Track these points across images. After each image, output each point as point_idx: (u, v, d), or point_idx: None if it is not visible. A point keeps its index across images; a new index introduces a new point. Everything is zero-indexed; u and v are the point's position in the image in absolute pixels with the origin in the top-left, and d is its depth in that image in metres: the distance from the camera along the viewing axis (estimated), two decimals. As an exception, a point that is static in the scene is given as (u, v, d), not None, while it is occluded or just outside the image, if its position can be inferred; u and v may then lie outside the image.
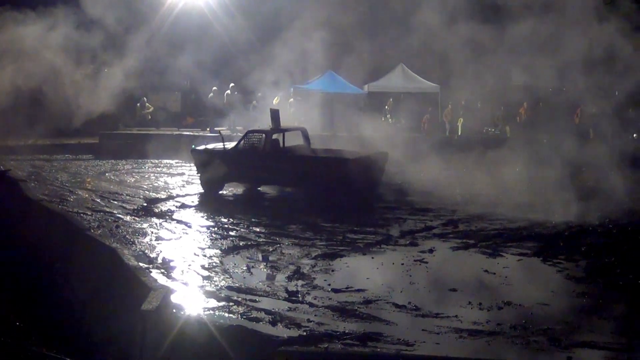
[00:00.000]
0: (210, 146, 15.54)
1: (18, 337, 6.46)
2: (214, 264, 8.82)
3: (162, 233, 10.69)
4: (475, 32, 16.17)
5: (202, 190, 14.81)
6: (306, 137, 15.18)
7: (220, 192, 14.81)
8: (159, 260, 8.90)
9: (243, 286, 7.82)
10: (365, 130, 19.65)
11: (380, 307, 7.12)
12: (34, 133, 20.72)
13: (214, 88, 25.73)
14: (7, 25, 16.84)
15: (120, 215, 11.97)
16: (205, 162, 14.75)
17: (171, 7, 23.36)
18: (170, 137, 24.12)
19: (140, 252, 9.29)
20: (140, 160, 21.52)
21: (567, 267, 8.74)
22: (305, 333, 6.35)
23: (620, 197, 12.97)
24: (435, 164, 17.38)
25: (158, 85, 28.87)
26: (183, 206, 13.29)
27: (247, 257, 9.21)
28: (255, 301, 7.28)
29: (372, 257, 9.29)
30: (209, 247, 9.79)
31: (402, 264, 8.91)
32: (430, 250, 9.62)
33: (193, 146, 16.11)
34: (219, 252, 9.47)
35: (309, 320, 6.68)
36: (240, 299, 7.33)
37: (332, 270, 8.58)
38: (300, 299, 7.40)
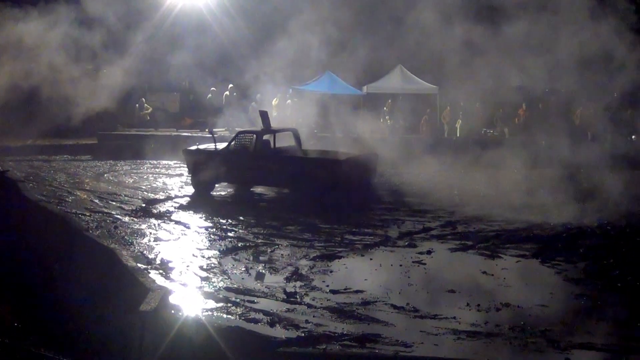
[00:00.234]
0: (202, 146, 15.63)
1: (16, 337, 6.45)
2: (213, 264, 8.83)
3: (161, 234, 10.69)
4: (473, 34, 16.18)
5: (194, 190, 14.86)
6: (297, 138, 15.22)
7: (213, 192, 14.87)
8: (158, 261, 8.90)
9: (241, 287, 7.83)
10: (364, 131, 19.66)
11: (378, 309, 7.13)
12: (32, 133, 20.71)
13: (213, 89, 25.71)
14: (6, 23, 16.81)
15: (118, 216, 11.96)
16: (196, 162, 14.84)
17: (170, 8, 23.35)
18: (169, 138, 24.09)
19: (138, 253, 9.29)
20: (138, 161, 21.50)
21: (565, 269, 8.75)
22: (303, 334, 6.36)
23: (619, 199, 12.98)
24: (434, 165, 17.40)
25: (157, 86, 28.84)
26: (181, 207, 13.29)
27: (246, 258, 9.21)
28: (253, 302, 7.29)
29: (371, 259, 9.30)
30: (207, 248, 9.79)
31: (401, 265, 8.91)
32: (429, 252, 9.63)
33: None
34: (218, 253, 9.47)
35: (307, 322, 6.69)
36: (238, 300, 7.34)
37: (331, 272, 8.59)
38: (299, 300, 7.41)
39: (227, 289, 7.76)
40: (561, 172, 15.68)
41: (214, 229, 11.12)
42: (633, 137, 21.97)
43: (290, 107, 24.47)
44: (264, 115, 14.87)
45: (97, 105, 18.60)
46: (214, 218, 12.04)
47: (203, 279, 8.19)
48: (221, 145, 14.83)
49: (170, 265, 8.73)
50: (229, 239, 10.30)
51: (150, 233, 10.67)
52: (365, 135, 18.98)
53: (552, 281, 8.26)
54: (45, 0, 17.39)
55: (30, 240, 10.15)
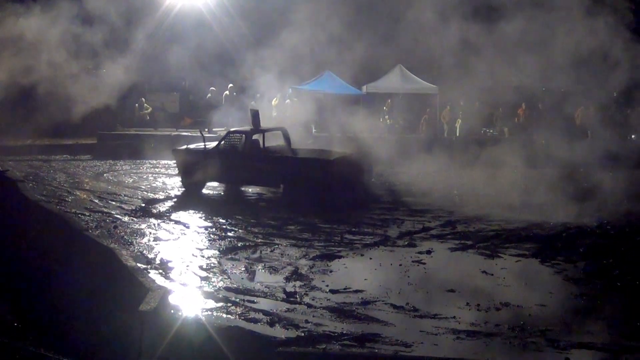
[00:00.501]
0: (192, 146, 15.64)
1: (16, 337, 6.44)
2: (212, 264, 8.82)
3: (160, 234, 10.69)
4: (473, 33, 16.18)
5: (184, 189, 14.93)
6: (286, 137, 15.18)
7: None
8: (157, 261, 8.90)
9: (241, 287, 7.83)
10: (363, 131, 19.65)
11: (378, 308, 7.13)
12: (32, 133, 20.68)
13: (212, 88, 25.70)
14: (5, 20, 16.76)
15: (118, 216, 11.96)
16: (186, 161, 14.87)
17: (170, 7, 23.33)
18: (169, 138, 24.07)
19: (138, 253, 9.28)
20: (138, 161, 21.50)
21: (565, 268, 8.76)
22: (303, 334, 6.36)
23: (618, 198, 12.99)
24: (433, 165, 17.40)
25: (156, 86, 28.82)
26: (181, 207, 13.28)
27: (245, 258, 9.21)
28: (253, 302, 7.29)
29: (370, 258, 9.30)
30: (207, 248, 9.79)
31: (400, 265, 8.92)
32: (428, 251, 9.63)
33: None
34: (217, 252, 9.47)
35: (306, 321, 6.69)
36: (238, 299, 7.34)
37: (330, 271, 8.59)
38: (298, 299, 7.41)
39: (227, 288, 7.76)
40: (561, 171, 15.69)
41: (214, 229, 11.12)
42: (633, 136, 22.00)
43: (290, 107, 24.46)
44: (255, 115, 14.87)
45: (97, 104, 18.58)
46: (214, 218, 12.04)
47: (203, 278, 8.19)
48: (211, 145, 14.84)
49: (169, 265, 8.72)
50: (229, 239, 10.30)
51: (150, 233, 10.67)
52: (364, 134, 18.96)
53: (551, 281, 8.27)
54: None
55: (29, 239, 10.15)
